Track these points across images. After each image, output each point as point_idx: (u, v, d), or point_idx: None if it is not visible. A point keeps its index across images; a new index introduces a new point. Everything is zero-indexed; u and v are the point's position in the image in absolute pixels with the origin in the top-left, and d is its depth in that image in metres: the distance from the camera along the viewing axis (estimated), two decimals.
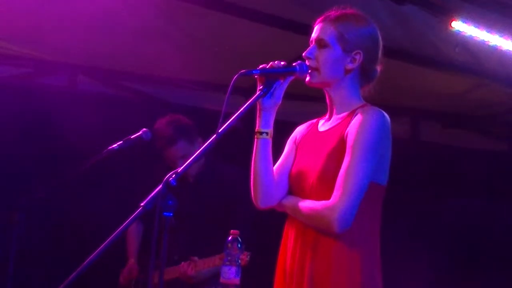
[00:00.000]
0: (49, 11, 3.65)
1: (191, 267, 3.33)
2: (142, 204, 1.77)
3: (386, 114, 2.06)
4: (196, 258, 3.34)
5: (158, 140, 3.52)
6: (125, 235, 3.69)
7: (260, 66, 2.07)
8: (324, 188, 2.03)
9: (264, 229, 3.44)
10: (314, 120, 2.28)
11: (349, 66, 2.11)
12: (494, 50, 3.73)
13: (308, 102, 4.38)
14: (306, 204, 2.07)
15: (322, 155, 2.08)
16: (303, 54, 2.13)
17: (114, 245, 1.76)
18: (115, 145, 2.77)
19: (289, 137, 2.30)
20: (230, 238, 2.19)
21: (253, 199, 2.18)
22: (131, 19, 3.73)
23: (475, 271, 5.06)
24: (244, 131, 2.48)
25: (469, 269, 5.13)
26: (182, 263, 3.38)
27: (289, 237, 2.14)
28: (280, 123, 2.18)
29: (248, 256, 3.12)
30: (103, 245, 1.75)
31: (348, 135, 2.04)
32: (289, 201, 2.14)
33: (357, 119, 2.05)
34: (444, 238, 5.16)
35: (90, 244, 1.94)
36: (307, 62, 2.11)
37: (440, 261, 5.03)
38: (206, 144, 1.91)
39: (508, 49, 3.73)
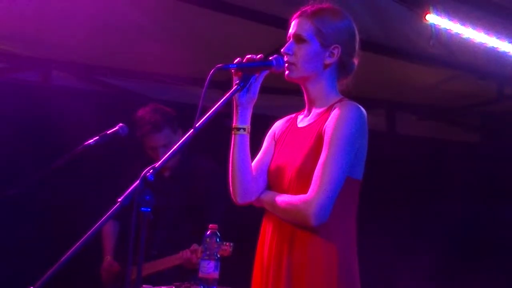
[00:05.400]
0: (22, 6, 3.60)
1: (195, 255, 3.31)
2: (119, 199, 1.76)
3: (363, 109, 2.08)
4: (196, 245, 3.32)
5: (143, 126, 3.49)
6: (100, 234, 3.66)
7: (236, 60, 2.07)
8: (302, 184, 2.04)
9: (243, 223, 3.45)
10: (293, 115, 2.29)
11: (328, 61, 2.12)
12: (468, 42, 3.78)
13: (285, 95, 4.40)
14: (283, 198, 2.08)
15: (301, 151, 2.09)
16: (282, 50, 2.13)
17: (93, 245, 1.75)
18: (91, 140, 2.75)
19: (266, 131, 2.31)
20: (208, 232, 2.19)
21: (231, 194, 2.18)
22: (106, 14, 3.69)
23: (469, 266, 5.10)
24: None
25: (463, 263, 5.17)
26: (185, 251, 3.35)
27: (267, 231, 2.16)
28: (257, 117, 2.18)
29: (231, 247, 3.14)
30: (80, 241, 1.74)
31: (326, 130, 2.05)
32: (267, 196, 2.15)
33: (334, 114, 2.06)
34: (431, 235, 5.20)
35: (70, 238, 1.92)
36: (285, 58, 2.11)
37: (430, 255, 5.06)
38: (183, 138, 1.90)
39: (481, 42, 3.78)
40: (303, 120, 2.21)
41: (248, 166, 2.15)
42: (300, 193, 2.04)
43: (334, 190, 1.99)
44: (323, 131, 2.06)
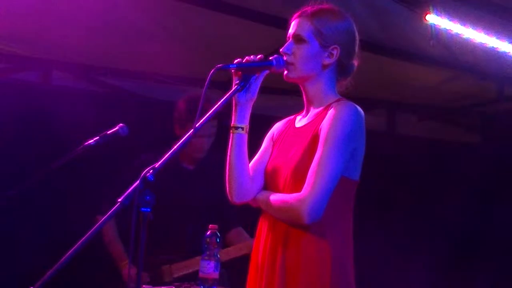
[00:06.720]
0: (22, 6, 3.60)
1: None
2: (119, 200, 1.76)
3: (360, 109, 2.07)
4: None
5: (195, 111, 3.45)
6: (101, 237, 3.60)
7: (236, 60, 2.07)
8: (297, 183, 2.04)
9: (243, 224, 3.46)
10: (292, 117, 2.29)
11: (326, 61, 2.12)
12: (468, 42, 3.78)
13: (285, 96, 4.40)
14: (277, 197, 2.09)
15: (297, 151, 2.10)
16: (281, 49, 2.13)
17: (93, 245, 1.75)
18: (92, 140, 2.75)
19: (265, 131, 2.31)
20: (209, 233, 2.19)
21: (228, 193, 2.18)
22: (106, 14, 3.69)
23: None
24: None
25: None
26: (251, 239, 3.34)
27: (262, 231, 2.16)
28: (256, 117, 2.18)
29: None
30: (80, 241, 1.74)
31: (321, 130, 2.05)
32: (262, 195, 2.15)
33: (330, 114, 2.06)
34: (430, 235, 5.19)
35: (70, 239, 1.92)
36: (284, 58, 2.11)
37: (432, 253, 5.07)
38: (183, 138, 1.90)
39: (481, 42, 3.78)
40: (301, 121, 2.21)
41: (245, 166, 2.15)
42: (295, 192, 2.04)
43: (327, 188, 1.98)
44: (319, 130, 2.06)
